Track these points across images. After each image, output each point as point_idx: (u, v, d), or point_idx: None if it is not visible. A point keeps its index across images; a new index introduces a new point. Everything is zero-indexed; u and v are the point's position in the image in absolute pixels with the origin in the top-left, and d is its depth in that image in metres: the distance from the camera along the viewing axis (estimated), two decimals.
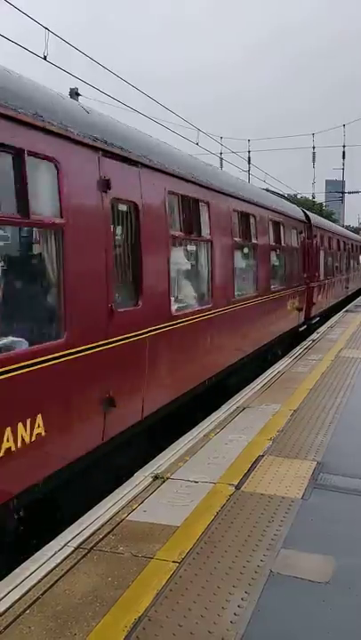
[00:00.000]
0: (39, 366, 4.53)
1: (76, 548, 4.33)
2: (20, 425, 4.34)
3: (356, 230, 65.41)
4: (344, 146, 43.15)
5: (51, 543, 4.43)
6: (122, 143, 5.99)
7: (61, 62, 12.28)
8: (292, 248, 14.90)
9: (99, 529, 4.64)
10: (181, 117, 20.28)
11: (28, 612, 3.55)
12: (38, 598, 3.69)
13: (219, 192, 9.12)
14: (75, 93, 17.52)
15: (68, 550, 4.30)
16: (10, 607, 3.59)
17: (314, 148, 44.64)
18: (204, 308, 8.48)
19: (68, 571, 4.02)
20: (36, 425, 4.52)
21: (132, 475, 5.79)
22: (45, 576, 3.94)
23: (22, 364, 4.36)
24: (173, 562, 4.13)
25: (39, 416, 4.54)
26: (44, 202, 4.78)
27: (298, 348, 13.81)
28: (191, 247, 8.43)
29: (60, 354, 4.79)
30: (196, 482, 5.57)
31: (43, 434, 4.58)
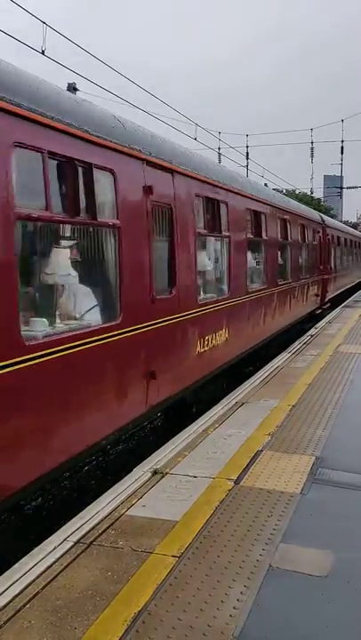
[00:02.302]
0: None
1: (75, 543, 4.34)
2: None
3: (354, 226, 65.35)
4: (343, 141, 43.19)
5: (50, 538, 4.45)
6: None
7: (59, 56, 12.23)
8: None
9: (98, 524, 4.65)
10: (180, 112, 20.31)
11: (28, 606, 3.56)
12: (38, 592, 3.70)
13: None
14: (72, 88, 17.42)
15: (68, 545, 4.31)
16: (10, 601, 3.60)
17: (312, 143, 44.63)
18: None
19: (67, 565, 4.03)
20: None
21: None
22: (45, 571, 3.95)
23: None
24: (173, 556, 4.15)
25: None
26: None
27: (297, 343, 13.82)
28: None
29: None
30: (196, 477, 5.59)
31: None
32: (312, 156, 45.41)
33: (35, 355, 4.65)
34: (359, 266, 35.04)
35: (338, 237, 25.30)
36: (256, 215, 11.75)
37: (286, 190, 49.70)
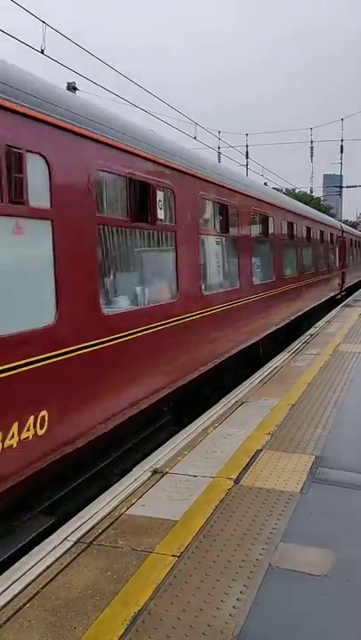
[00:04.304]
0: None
1: (75, 542, 4.34)
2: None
3: (354, 225, 65.35)
4: (342, 140, 43.22)
5: (50, 537, 4.45)
6: None
7: (58, 56, 12.24)
8: None
9: (98, 523, 4.65)
10: (180, 112, 20.32)
11: (28, 605, 3.57)
12: (38, 592, 3.71)
13: None
14: (72, 87, 17.42)
15: (68, 544, 4.32)
16: (10, 601, 3.61)
17: (312, 142, 44.63)
18: None
19: (67, 565, 4.03)
20: None
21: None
22: (45, 570, 3.96)
23: None
24: (173, 556, 4.15)
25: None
26: None
27: (296, 342, 13.83)
28: None
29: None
30: (195, 476, 5.59)
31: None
32: (312, 155, 45.42)
33: None
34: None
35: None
36: None
37: (286, 189, 49.72)
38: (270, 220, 13.45)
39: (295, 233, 16.08)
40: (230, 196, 10.22)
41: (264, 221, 13.13)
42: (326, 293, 21.86)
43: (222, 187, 9.86)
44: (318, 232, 20.29)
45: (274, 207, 13.91)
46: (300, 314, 16.51)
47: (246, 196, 11.30)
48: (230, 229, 10.29)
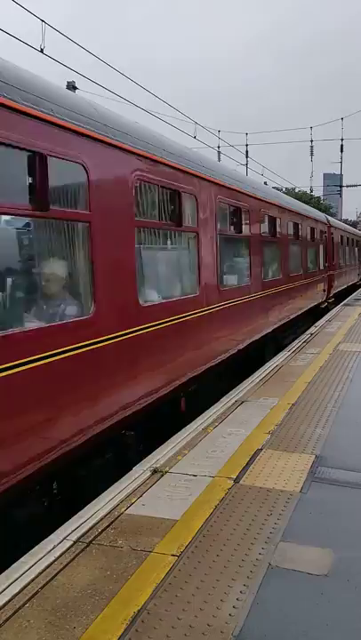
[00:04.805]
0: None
1: (75, 542, 4.33)
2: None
3: (354, 224, 65.31)
4: (342, 139, 43.25)
5: (50, 537, 4.44)
6: None
7: (58, 55, 12.24)
8: None
9: (97, 522, 4.64)
10: (180, 111, 20.31)
11: (27, 605, 3.56)
12: (37, 592, 3.70)
13: None
14: (72, 87, 17.43)
15: (67, 544, 4.31)
16: (9, 601, 3.60)
17: (312, 141, 44.65)
18: None
19: (67, 564, 4.02)
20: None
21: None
22: (44, 570, 3.95)
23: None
24: (172, 555, 4.14)
25: None
26: None
27: (296, 341, 13.82)
28: None
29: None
30: (195, 475, 5.58)
31: None
32: (312, 154, 45.44)
33: None
34: None
35: None
36: None
37: (286, 189, 49.73)
38: (198, 200, 8.32)
39: (252, 226, 11.57)
40: None
41: (187, 203, 7.91)
42: (302, 305, 16.99)
43: None
44: (291, 225, 15.51)
45: (205, 182, 8.64)
46: (258, 336, 12.04)
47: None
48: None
